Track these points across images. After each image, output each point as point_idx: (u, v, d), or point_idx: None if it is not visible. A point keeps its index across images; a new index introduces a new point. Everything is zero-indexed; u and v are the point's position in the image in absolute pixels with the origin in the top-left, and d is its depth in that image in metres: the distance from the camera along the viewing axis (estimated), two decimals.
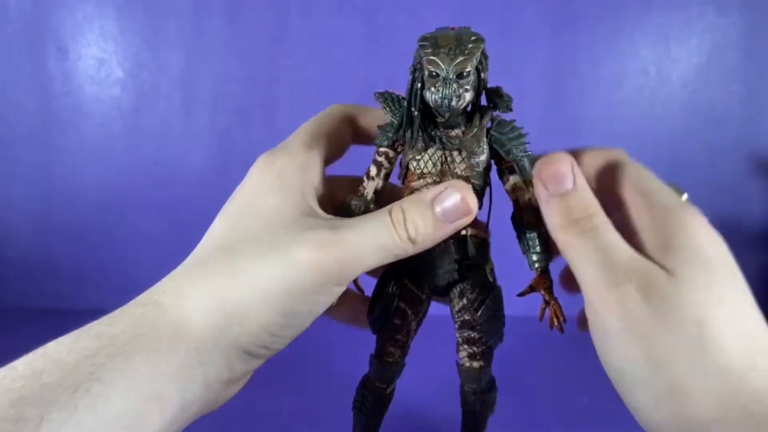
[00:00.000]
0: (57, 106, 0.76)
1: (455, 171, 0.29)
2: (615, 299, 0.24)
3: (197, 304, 0.25)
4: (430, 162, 0.29)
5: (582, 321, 0.28)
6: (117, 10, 0.75)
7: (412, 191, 0.29)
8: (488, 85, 0.29)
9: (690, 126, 0.79)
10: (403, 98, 0.29)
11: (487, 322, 0.31)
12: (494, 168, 0.31)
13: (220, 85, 0.77)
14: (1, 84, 0.75)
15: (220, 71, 0.77)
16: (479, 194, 0.29)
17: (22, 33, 0.75)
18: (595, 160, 0.29)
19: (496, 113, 0.30)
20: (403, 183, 0.30)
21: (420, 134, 0.29)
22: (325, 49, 0.76)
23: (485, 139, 0.29)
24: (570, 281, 0.29)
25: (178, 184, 0.78)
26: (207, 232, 0.28)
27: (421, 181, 0.29)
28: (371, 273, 0.32)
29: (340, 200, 0.31)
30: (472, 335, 0.31)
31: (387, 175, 0.31)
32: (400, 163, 0.31)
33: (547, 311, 0.30)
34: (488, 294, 0.31)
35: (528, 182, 0.29)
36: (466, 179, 0.29)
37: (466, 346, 0.32)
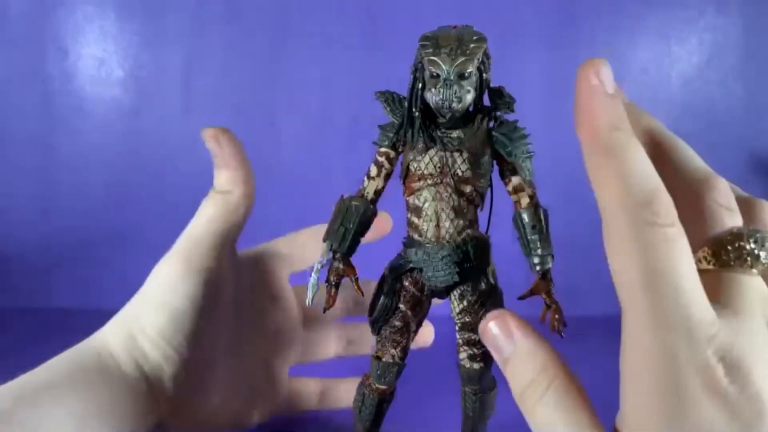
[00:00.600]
0: (57, 106, 0.76)
1: (456, 172, 0.29)
2: None
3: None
4: (431, 163, 0.29)
5: None
6: (117, 10, 0.75)
7: (413, 192, 0.29)
8: (491, 85, 0.29)
9: (690, 126, 0.79)
10: (404, 98, 0.29)
11: None
12: (495, 168, 0.30)
13: (220, 85, 0.77)
14: (1, 84, 0.75)
15: (220, 71, 0.77)
16: (480, 195, 0.29)
17: (22, 33, 0.75)
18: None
19: (498, 114, 0.29)
20: (403, 183, 0.30)
21: (421, 135, 0.29)
22: (325, 49, 0.76)
23: (487, 140, 0.29)
24: None
25: (178, 184, 0.78)
26: None
27: (422, 182, 0.29)
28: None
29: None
30: (473, 337, 0.31)
31: (388, 176, 0.31)
32: (401, 163, 0.30)
33: (548, 314, 0.29)
34: (489, 296, 0.31)
35: (529, 183, 0.29)
36: (467, 180, 0.29)
37: (466, 348, 0.32)
